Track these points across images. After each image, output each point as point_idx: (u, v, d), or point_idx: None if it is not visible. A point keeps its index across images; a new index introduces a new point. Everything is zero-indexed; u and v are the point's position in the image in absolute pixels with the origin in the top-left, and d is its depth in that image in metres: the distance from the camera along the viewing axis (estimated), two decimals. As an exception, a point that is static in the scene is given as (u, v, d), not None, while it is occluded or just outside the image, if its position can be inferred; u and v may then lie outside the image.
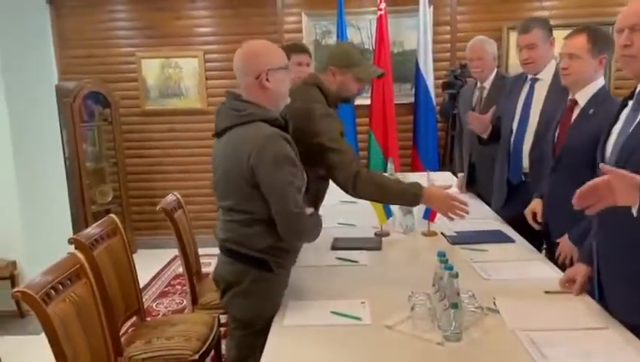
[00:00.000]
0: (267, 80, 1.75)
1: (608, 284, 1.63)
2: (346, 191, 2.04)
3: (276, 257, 1.79)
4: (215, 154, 1.84)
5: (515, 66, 4.42)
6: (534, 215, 2.30)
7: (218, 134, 1.81)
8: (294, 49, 2.80)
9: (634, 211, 1.34)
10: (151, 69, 4.95)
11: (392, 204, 2.29)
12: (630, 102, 1.58)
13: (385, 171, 3.60)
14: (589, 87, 2.11)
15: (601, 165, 1.41)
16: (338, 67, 2.11)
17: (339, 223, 2.71)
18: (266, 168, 1.67)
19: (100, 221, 2.33)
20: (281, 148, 1.70)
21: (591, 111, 2.06)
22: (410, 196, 2.02)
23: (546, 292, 1.80)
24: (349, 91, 2.15)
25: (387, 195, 2.06)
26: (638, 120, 1.51)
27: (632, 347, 1.42)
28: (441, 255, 1.65)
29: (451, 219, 2.05)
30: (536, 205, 2.30)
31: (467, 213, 2.04)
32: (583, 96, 2.12)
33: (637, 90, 1.55)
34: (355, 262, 2.20)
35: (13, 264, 3.61)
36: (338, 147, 2.00)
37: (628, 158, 1.49)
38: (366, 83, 2.23)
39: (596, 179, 1.38)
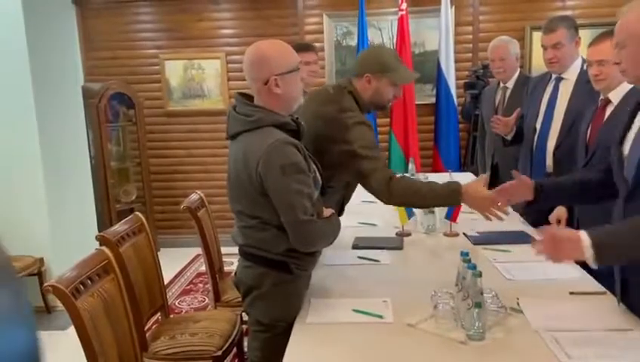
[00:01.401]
0: (277, 85, 1.69)
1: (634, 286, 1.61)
2: (380, 198, 2.00)
3: (296, 259, 1.76)
4: (229, 158, 1.82)
5: (538, 67, 4.37)
6: (559, 222, 2.30)
7: (232, 137, 1.78)
8: (300, 48, 2.68)
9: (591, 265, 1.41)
10: (174, 70, 5.03)
11: (430, 205, 2.25)
12: None
13: (406, 171, 3.60)
14: (621, 86, 2.13)
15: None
16: (373, 73, 2.06)
17: (360, 223, 2.72)
18: (273, 177, 1.63)
19: (127, 219, 2.39)
20: (288, 156, 1.64)
21: (628, 108, 2.05)
22: (449, 192, 1.94)
23: (571, 293, 1.78)
24: (383, 97, 2.11)
25: (424, 196, 1.97)
26: None
27: (659, 348, 1.41)
28: (465, 254, 1.65)
29: (489, 219, 1.97)
30: (561, 213, 2.30)
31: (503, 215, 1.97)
32: (616, 95, 2.14)
33: None
34: (377, 261, 2.20)
35: (41, 261, 3.70)
36: (371, 155, 1.97)
37: None
38: (400, 88, 2.19)
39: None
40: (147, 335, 2.24)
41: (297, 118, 1.82)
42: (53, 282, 1.66)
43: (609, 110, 2.14)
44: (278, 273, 1.76)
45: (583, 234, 1.40)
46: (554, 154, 2.51)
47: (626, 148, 1.60)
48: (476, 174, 3.68)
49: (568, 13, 4.50)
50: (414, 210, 2.55)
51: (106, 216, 4.61)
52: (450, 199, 1.98)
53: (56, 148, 3.75)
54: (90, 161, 4.42)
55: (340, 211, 2.18)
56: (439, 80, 4.66)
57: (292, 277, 1.78)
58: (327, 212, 1.85)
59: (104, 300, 1.82)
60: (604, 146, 2.06)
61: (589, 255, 1.39)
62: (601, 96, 2.18)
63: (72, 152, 3.97)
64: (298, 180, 1.66)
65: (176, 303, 3.92)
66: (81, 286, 1.74)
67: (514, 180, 1.89)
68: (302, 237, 1.69)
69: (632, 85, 2.12)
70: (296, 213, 1.65)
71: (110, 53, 5.06)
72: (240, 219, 1.80)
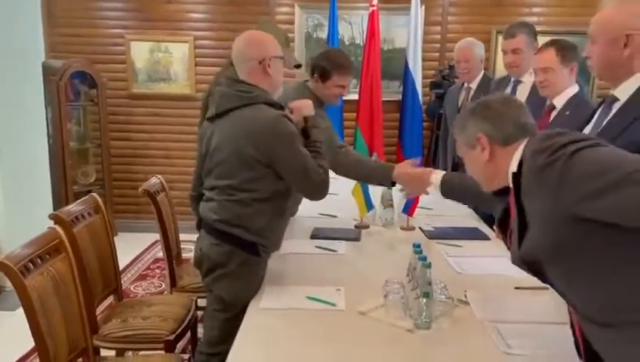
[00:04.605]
0: (269, 66, 1.84)
1: None
2: None
3: (265, 239, 1.86)
4: (211, 136, 1.87)
5: (502, 69, 4.48)
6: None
7: (217, 116, 1.85)
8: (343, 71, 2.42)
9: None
10: (140, 52, 4.92)
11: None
12: (602, 105, 1.65)
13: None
14: (564, 92, 2.27)
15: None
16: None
17: (320, 213, 2.75)
18: (283, 148, 1.77)
19: (82, 199, 2.34)
20: (291, 127, 1.81)
21: (567, 113, 2.15)
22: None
23: (516, 287, 1.85)
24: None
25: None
26: (606, 121, 1.57)
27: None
28: (417, 246, 1.69)
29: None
30: None
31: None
32: (559, 101, 2.27)
33: (610, 94, 1.62)
34: (334, 251, 2.24)
35: (-8, 240, 3.58)
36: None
37: None
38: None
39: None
40: (99, 317, 2.21)
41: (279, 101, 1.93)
42: (0, 259, 1.62)
43: (553, 115, 2.25)
44: (246, 253, 1.83)
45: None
46: None
47: None
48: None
49: (534, 19, 4.62)
50: (374, 203, 2.59)
51: (62, 198, 4.49)
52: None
53: (13, 125, 3.63)
54: (48, 140, 4.30)
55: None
56: (406, 78, 4.71)
57: (258, 259, 1.86)
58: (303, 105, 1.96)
59: (54, 279, 1.78)
60: None
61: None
62: (548, 102, 2.29)
63: (29, 130, 3.85)
64: (302, 148, 1.82)
65: (132, 288, 3.87)
66: (31, 265, 1.70)
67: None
68: (319, 193, 1.91)
69: (575, 92, 2.24)
70: (310, 177, 1.81)
71: (73, 31, 4.90)
72: (225, 192, 1.84)
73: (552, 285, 1.26)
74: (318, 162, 1.86)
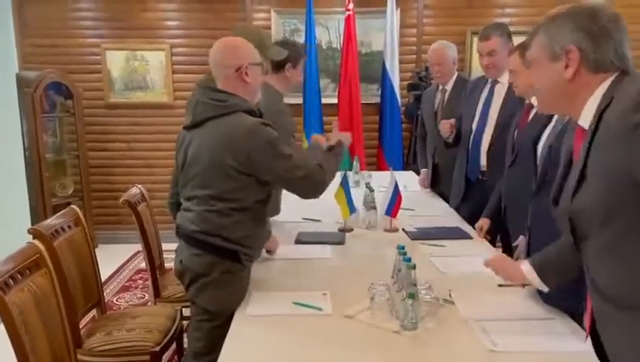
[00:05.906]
0: (246, 74, 1.82)
1: None
2: None
3: (247, 248, 1.84)
4: (188, 146, 1.85)
5: (478, 70, 4.55)
6: (481, 228, 2.46)
7: (194, 125, 1.83)
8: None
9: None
10: (116, 61, 4.87)
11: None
12: None
13: (350, 169, 3.65)
14: None
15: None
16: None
17: (303, 218, 2.75)
18: (264, 155, 1.76)
19: (61, 212, 2.31)
20: (270, 133, 1.79)
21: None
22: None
23: (499, 285, 1.86)
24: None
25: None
26: (563, 123, 1.61)
27: (576, 335, 1.51)
28: (401, 247, 1.71)
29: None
30: (483, 223, 2.45)
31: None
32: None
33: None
34: (319, 255, 2.23)
35: (-32, 256, 3.50)
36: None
37: (554, 157, 1.61)
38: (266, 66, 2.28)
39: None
40: (82, 331, 2.18)
41: (259, 108, 1.91)
42: (-21, 276, 1.59)
43: (532, 113, 2.28)
44: (229, 262, 1.81)
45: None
46: (487, 153, 2.64)
47: (540, 146, 1.72)
48: (417, 173, 3.79)
49: (507, 20, 4.70)
50: (356, 205, 2.60)
51: (40, 210, 4.41)
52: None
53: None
54: (24, 153, 4.23)
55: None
56: (384, 80, 4.75)
57: (240, 267, 1.84)
58: (331, 138, 2.04)
59: (35, 295, 1.75)
60: (527, 146, 2.20)
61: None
62: (527, 101, 2.32)
63: (4, 143, 3.78)
64: (285, 148, 1.82)
65: (114, 300, 3.82)
66: (11, 281, 1.67)
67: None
68: (309, 191, 1.89)
69: None
70: (296, 177, 1.81)
71: (48, 41, 4.83)
72: (205, 203, 1.82)
73: (584, 256, 1.16)
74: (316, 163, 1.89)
